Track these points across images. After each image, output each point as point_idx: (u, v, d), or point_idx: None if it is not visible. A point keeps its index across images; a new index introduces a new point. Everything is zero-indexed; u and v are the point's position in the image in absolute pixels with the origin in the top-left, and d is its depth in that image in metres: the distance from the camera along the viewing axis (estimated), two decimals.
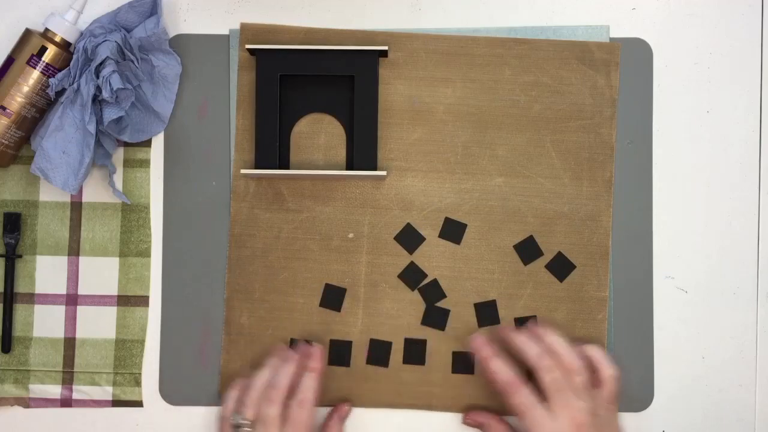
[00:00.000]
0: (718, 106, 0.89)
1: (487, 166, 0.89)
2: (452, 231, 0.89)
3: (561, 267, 0.88)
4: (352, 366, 0.89)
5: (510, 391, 0.82)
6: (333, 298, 0.89)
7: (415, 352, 0.89)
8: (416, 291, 0.89)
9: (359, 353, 0.89)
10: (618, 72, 0.89)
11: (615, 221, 0.89)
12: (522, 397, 0.81)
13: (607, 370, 0.83)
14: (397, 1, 0.90)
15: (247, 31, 0.89)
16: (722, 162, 0.89)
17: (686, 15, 0.90)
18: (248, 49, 0.87)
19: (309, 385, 0.84)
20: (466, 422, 0.88)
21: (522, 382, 0.82)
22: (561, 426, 0.79)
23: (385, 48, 0.87)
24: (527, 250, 0.89)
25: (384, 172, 0.87)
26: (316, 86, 0.89)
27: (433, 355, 0.89)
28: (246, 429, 0.82)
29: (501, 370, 0.83)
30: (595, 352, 0.84)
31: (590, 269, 0.88)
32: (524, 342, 0.84)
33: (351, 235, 0.89)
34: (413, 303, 0.89)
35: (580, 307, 0.88)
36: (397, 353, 0.89)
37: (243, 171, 0.86)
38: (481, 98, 0.89)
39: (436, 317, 0.89)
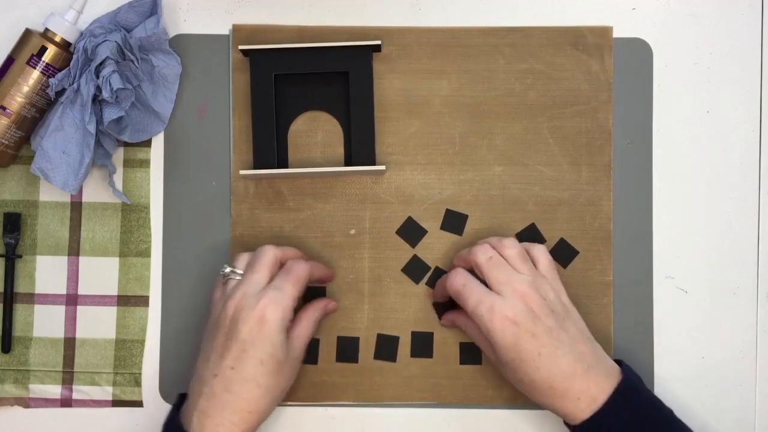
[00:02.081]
0: (718, 106, 0.89)
1: (485, 156, 0.89)
2: (454, 222, 0.89)
3: (564, 253, 0.89)
4: (360, 362, 0.89)
5: (464, 294, 0.80)
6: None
7: (422, 345, 0.89)
8: (421, 284, 0.89)
9: (367, 349, 0.89)
10: (611, 56, 0.89)
11: (615, 222, 0.89)
12: (476, 292, 0.79)
13: (535, 246, 0.84)
14: (397, 1, 0.90)
15: (240, 33, 0.89)
16: (722, 162, 0.89)
17: (686, 15, 0.90)
18: (241, 50, 0.88)
19: (313, 264, 0.83)
20: (442, 324, 0.88)
21: (474, 281, 0.81)
22: (508, 302, 0.78)
23: (378, 43, 0.87)
24: (529, 238, 0.89)
25: (383, 167, 0.87)
26: (311, 84, 0.89)
27: (440, 347, 0.89)
28: (234, 277, 0.82)
29: (453, 280, 0.81)
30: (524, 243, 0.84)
31: (593, 254, 0.89)
32: (465, 251, 0.84)
33: (353, 231, 0.89)
34: (418, 296, 0.89)
35: (584, 292, 0.88)
36: (404, 347, 0.89)
37: (242, 172, 0.86)
38: (476, 88, 0.89)
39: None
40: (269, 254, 0.82)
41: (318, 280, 0.86)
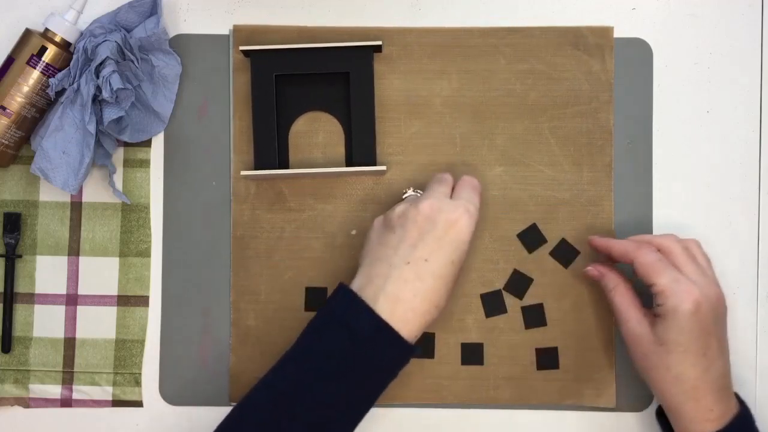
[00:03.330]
0: (718, 106, 0.90)
1: (486, 157, 0.89)
2: None
3: (565, 253, 0.89)
4: None
5: (659, 267, 0.79)
6: None
7: (423, 345, 0.89)
8: None
9: None
10: (612, 56, 0.89)
11: (615, 222, 0.89)
12: (672, 270, 0.79)
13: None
14: (397, 2, 0.90)
15: (241, 33, 0.89)
16: (722, 162, 0.89)
17: (686, 15, 0.90)
18: (242, 51, 0.88)
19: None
20: (587, 270, 0.86)
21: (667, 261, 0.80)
22: (704, 292, 0.78)
23: (379, 43, 0.87)
24: (531, 238, 0.89)
25: (384, 167, 0.87)
26: (312, 85, 0.89)
27: (441, 347, 0.89)
28: (412, 196, 0.86)
29: (647, 252, 0.80)
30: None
31: (594, 254, 0.88)
32: (631, 243, 0.82)
33: (354, 232, 0.89)
34: None
35: (586, 292, 0.88)
36: None
37: (243, 172, 0.86)
38: (477, 89, 0.89)
39: None
40: (448, 176, 0.85)
41: None
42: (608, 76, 0.89)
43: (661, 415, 0.83)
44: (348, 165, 0.89)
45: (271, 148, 0.87)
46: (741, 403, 0.81)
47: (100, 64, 0.83)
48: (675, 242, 0.82)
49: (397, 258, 0.79)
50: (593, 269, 0.86)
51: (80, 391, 0.90)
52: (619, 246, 0.83)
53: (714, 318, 0.78)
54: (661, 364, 0.79)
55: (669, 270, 0.79)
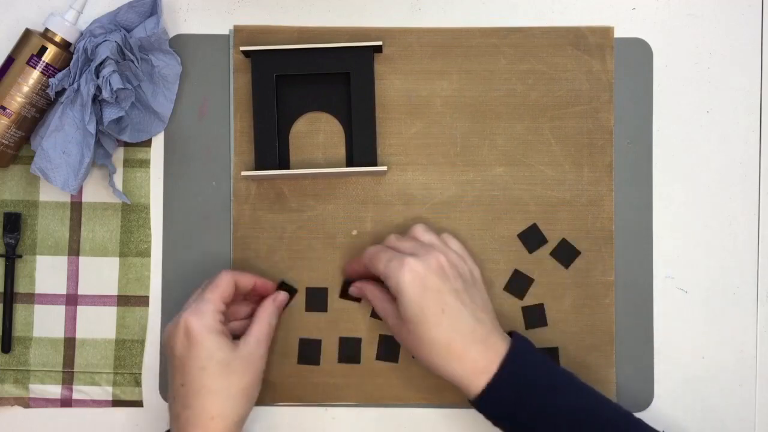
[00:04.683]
0: (718, 106, 0.90)
1: (487, 157, 0.89)
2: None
3: (566, 253, 0.89)
4: (362, 362, 0.89)
5: (377, 257, 0.82)
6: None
7: None
8: None
9: (368, 350, 0.89)
10: (613, 56, 0.89)
11: (615, 222, 0.89)
12: (389, 254, 0.81)
13: (443, 234, 0.86)
14: (397, 2, 0.90)
15: (242, 33, 0.89)
16: (722, 162, 0.89)
17: (686, 15, 0.90)
18: (243, 51, 0.88)
19: (238, 273, 0.85)
20: (351, 292, 0.88)
21: (388, 248, 0.83)
22: (420, 260, 0.79)
23: (380, 43, 0.87)
24: (531, 238, 0.89)
25: (384, 168, 0.87)
26: (313, 85, 0.89)
27: None
28: None
29: (368, 249, 0.84)
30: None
31: (595, 254, 0.88)
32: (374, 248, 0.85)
33: (355, 233, 0.89)
34: None
35: (586, 292, 0.88)
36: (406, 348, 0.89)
37: (244, 173, 0.86)
38: (477, 89, 0.89)
39: None
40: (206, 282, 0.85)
41: (256, 291, 0.87)
42: (608, 76, 0.89)
43: (476, 403, 0.81)
44: (349, 165, 0.89)
45: (271, 148, 0.87)
46: (514, 338, 0.81)
47: (100, 64, 0.83)
48: (391, 235, 0.85)
49: (170, 400, 0.82)
50: (353, 288, 0.88)
51: (80, 391, 0.90)
52: (354, 261, 0.87)
53: (440, 276, 0.79)
54: (414, 339, 0.80)
55: (386, 253, 0.81)
